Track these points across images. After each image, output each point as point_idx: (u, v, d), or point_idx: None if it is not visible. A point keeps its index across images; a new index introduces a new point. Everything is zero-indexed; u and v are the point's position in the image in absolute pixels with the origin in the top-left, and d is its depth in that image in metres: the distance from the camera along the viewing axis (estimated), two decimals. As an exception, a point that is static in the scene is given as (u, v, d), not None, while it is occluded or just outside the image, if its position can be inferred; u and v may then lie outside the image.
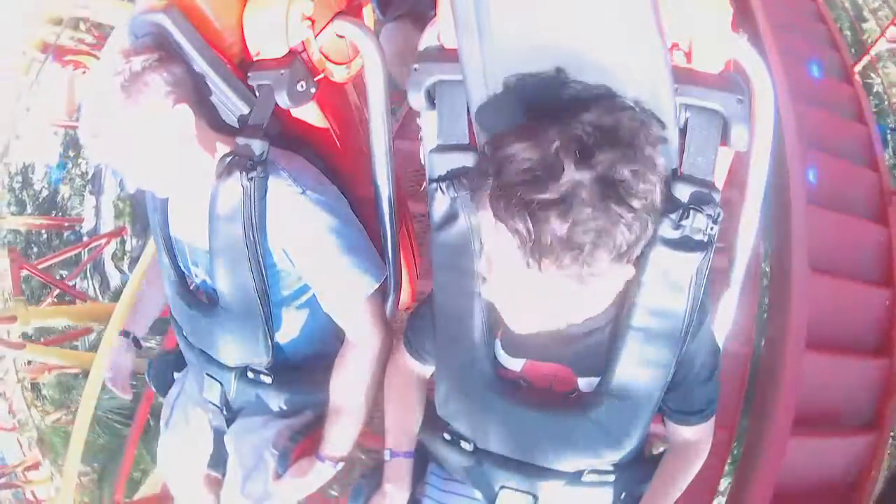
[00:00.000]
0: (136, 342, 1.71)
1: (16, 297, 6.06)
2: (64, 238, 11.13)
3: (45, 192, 12.24)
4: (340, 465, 1.39)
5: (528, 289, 0.86)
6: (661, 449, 1.28)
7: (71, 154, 11.97)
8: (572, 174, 0.76)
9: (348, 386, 1.39)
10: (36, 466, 7.28)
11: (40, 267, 8.43)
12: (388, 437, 1.31)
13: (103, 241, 10.36)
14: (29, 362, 8.18)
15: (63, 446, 6.54)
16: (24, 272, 7.28)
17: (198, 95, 1.27)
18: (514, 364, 1.13)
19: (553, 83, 0.90)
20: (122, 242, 10.91)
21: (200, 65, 1.24)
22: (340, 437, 1.38)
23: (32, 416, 7.77)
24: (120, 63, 1.18)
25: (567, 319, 0.96)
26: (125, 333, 1.71)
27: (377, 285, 1.36)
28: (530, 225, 0.76)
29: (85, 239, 10.67)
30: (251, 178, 1.23)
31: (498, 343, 1.12)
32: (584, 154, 0.77)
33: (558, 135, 0.78)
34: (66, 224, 11.55)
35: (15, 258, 6.87)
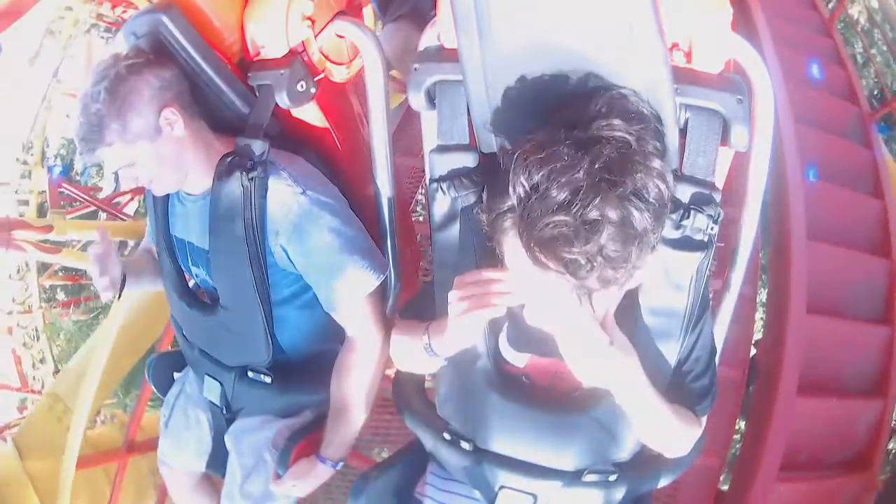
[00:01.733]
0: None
1: (54, 210, 6.25)
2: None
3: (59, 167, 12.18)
4: (340, 464, 1.39)
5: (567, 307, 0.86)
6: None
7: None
8: (605, 218, 0.75)
9: (349, 387, 1.39)
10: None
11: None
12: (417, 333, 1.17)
13: (126, 197, 9.99)
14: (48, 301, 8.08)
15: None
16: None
17: (192, 97, 1.27)
18: (519, 360, 1.13)
19: (557, 86, 0.90)
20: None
21: (200, 64, 1.24)
22: (340, 437, 1.39)
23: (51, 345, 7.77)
24: (107, 67, 1.18)
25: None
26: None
27: (377, 284, 1.36)
28: (574, 271, 0.77)
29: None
30: (251, 179, 1.24)
31: (504, 338, 1.13)
32: (610, 197, 0.75)
33: (586, 176, 0.75)
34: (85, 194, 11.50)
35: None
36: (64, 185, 7.60)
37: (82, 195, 8.30)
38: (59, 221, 5.49)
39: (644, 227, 0.78)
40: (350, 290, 1.34)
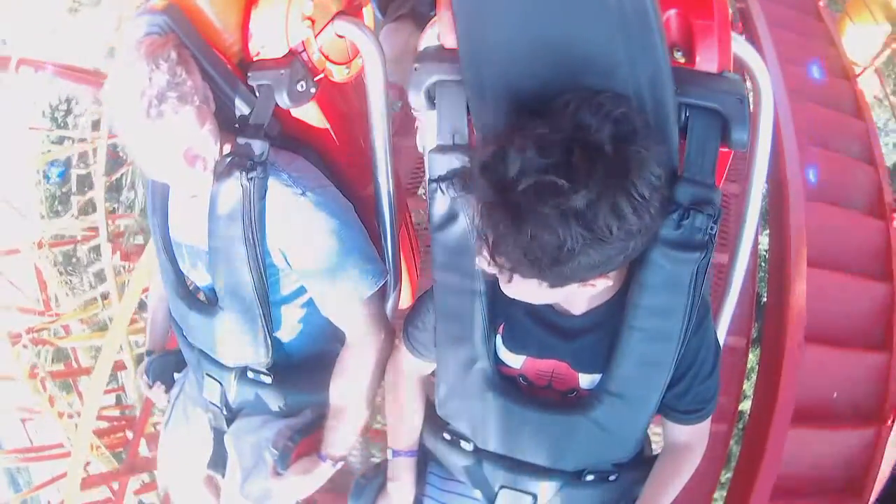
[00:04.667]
0: None
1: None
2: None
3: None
4: (340, 464, 1.39)
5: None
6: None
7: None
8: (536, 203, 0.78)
9: (349, 388, 1.39)
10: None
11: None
12: (390, 436, 1.31)
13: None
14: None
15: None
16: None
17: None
18: (515, 361, 1.13)
19: (556, 86, 0.90)
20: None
21: (201, 65, 1.24)
22: (341, 437, 1.39)
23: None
24: (156, 43, 1.16)
25: (555, 300, 1.01)
26: (150, 353, 1.76)
27: (377, 288, 1.36)
28: (489, 230, 0.83)
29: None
30: (251, 179, 1.23)
31: (499, 339, 1.13)
32: (546, 187, 0.78)
33: (528, 156, 0.79)
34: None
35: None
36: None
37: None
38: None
39: (597, 222, 0.78)
40: (348, 294, 1.33)
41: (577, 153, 0.78)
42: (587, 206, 0.77)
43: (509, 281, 0.90)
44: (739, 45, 1.00)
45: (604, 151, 0.78)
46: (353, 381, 1.38)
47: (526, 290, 0.92)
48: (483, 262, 0.89)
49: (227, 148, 1.29)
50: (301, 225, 1.28)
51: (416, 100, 1.08)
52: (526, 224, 0.79)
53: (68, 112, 11.88)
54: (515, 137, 0.81)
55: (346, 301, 1.34)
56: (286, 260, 1.32)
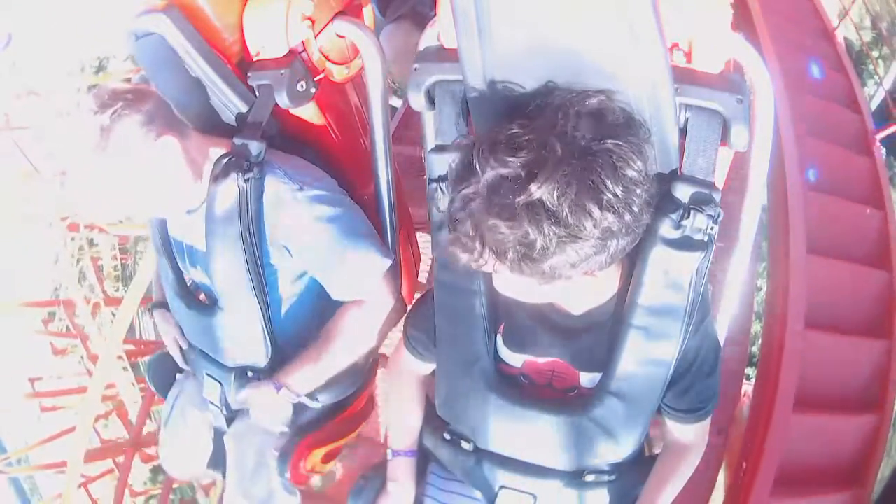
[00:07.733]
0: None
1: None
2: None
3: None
4: (292, 397, 1.34)
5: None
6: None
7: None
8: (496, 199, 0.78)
9: (341, 324, 1.36)
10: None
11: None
12: (390, 436, 1.31)
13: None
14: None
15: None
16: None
17: (190, 100, 1.27)
18: (515, 360, 1.13)
19: (541, 90, 0.91)
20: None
21: (200, 65, 1.25)
22: (304, 370, 1.35)
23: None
24: (90, 119, 1.13)
25: (550, 300, 1.00)
26: (159, 304, 1.65)
27: (387, 266, 1.35)
28: (464, 227, 0.82)
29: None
30: (248, 180, 1.23)
31: (499, 338, 1.13)
32: (523, 181, 0.77)
33: (495, 156, 0.79)
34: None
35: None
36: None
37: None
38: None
39: (570, 217, 0.77)
40: (360, 274, 1.33)
41: (545, 149, 0.77)
42: (557, 202, 0.76)
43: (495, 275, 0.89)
44: (739, 45, 1.00)
45: (575, 147, 0.78)
46: (348, 318, 1.36)
47: (517, 287, 0.92)
48: (467, 259, 0.87)
49: (223, 149, 1.29)
50: (301, 220, 1.28)
51: (416, 100, 1.08)
52: (493, 219, 0.78)
53: (100, 69, 11.94)
54: (491, 136, 0.81)
55: (358, 282, 1.34)
56: (290, 256, 1.32)
